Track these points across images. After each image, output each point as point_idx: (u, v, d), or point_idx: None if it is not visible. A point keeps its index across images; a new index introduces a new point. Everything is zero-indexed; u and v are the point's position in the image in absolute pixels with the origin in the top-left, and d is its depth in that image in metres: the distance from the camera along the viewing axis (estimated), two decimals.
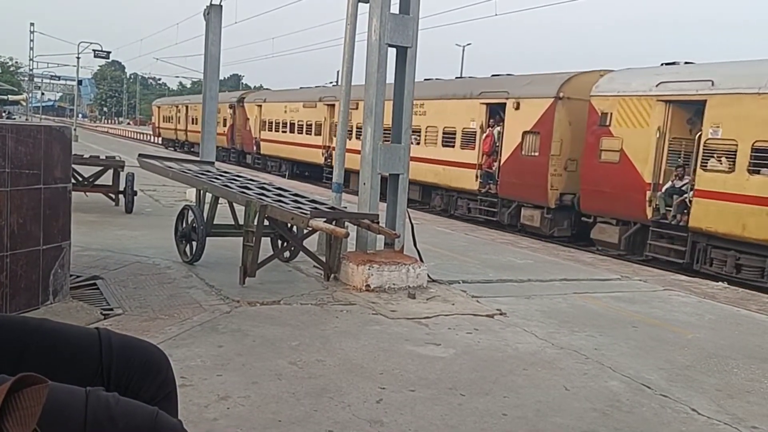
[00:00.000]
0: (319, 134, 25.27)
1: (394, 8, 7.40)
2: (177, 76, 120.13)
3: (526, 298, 7.14)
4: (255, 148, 31.37)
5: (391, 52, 7.53)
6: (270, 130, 30.07)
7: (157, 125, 49.43)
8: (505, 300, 6.90)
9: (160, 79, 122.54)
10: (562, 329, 5.95)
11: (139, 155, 9.22)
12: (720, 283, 9.66)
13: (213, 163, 10.51)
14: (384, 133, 7.56)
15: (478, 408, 4.02)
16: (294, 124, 27.55)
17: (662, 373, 4.92)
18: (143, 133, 59.97)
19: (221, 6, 12.87)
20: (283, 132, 28.68)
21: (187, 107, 40.57)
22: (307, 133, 26.45)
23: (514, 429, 3.78)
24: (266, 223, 6.84)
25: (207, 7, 12.87)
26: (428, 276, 7.34)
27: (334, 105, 22.80)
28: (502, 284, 7.81)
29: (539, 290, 7.60)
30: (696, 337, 6.08)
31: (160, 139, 50.33)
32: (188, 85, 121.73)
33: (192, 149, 37.40)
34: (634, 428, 3.91)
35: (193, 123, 38.47)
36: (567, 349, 5.34)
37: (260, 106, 31.16)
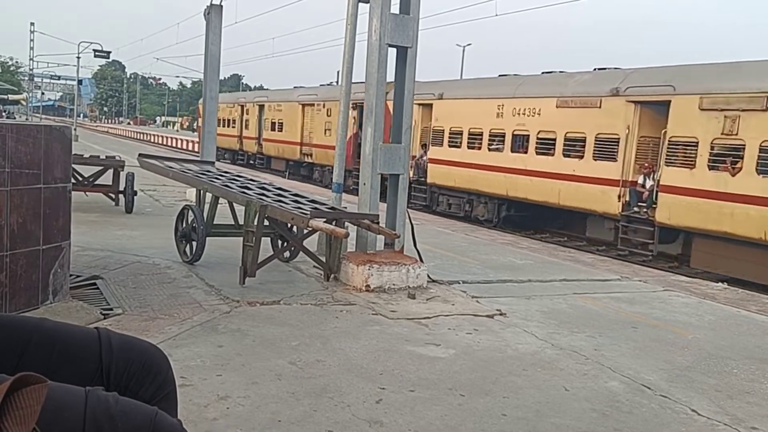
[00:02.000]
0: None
1: (395, 8, 7.41)
2: (177, 76, 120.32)
3: (526, 298, 7.14)
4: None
5: (392, 52, 7.53)
6: None
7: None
8: (505, 300, 6.90)
9: (160, 79, 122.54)
10: (562, 330, 5.95)
11: (140, 155, 9.22)
12: (720, 283, 9.65)
13: (213, 163, 10.51)
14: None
15: (477, 408, 4.02)
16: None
17: (662, 374, 4.92)
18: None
19: (221, 6, 12.89)
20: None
21: (261, 107, 31.35)
22: None
23: (513, 429, 3.78)
24: (266, 223, 6.84)
25: (207, 7, 12.87)
26: (428, 276, 7.33)
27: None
28: (502, 285, 7.81)
29: (539, 291, 7.60)
30: (696, 337, 6.07)
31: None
32: (188, 85, 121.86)
33: (277, 172, 29.25)
34: (633, 429, 3.91)
35: (273, 129, 29.86)
36: (567, 350, 5.34)
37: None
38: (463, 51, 53.33)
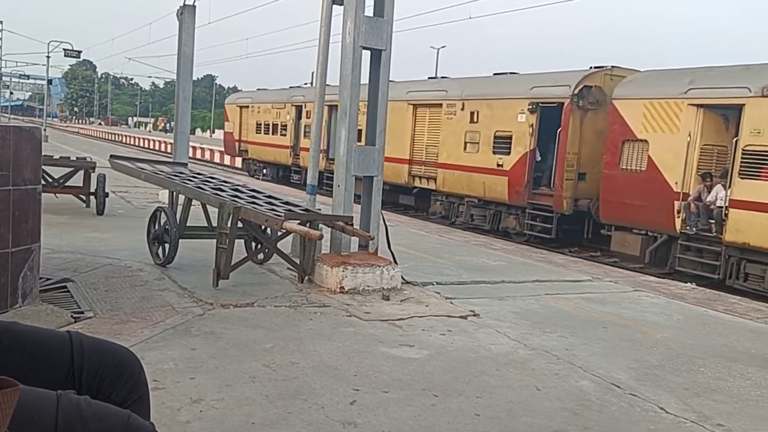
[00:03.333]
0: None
1: (369, 11, 7.43)
2: (150, 76, 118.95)
3: (499, 299, 7.21)
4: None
5: (366, 54, 7.55)
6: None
7: (238, 137, 29.63)
8: (479, 301, 6.96)
9: (132, 79, 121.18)
10: (534, 330, 6.02)
11: (111, 156, 9.12)
12: (689, 284, 9.83)
13: (186, 164, 10.43)
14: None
15: (451, 408, 4.05)
16: None
17: (631, 373, 5.00)
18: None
19: (195, 6, 12.80)
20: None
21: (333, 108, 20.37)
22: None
23: (486, 429, 3.82)
24: (240, 225, 6.82)
25: (180, 7, 12.78)
26: (402, 278, 7.37)
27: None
28: (475, 286, 7.87)
29: (512, 291, 7.67)
30: (664, 337, 6.19)
31: (240, 162, 32.36)
32: (161, 86, 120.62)
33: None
34: (603, 427, 3.97)
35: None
36: (539, 350, 5.40)
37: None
38: (438, 53, 53.56)
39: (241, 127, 29.39)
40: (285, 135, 25.44)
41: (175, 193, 7.82)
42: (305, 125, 22.98)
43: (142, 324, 5.24)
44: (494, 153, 15.83)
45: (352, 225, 7.11)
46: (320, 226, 7.00)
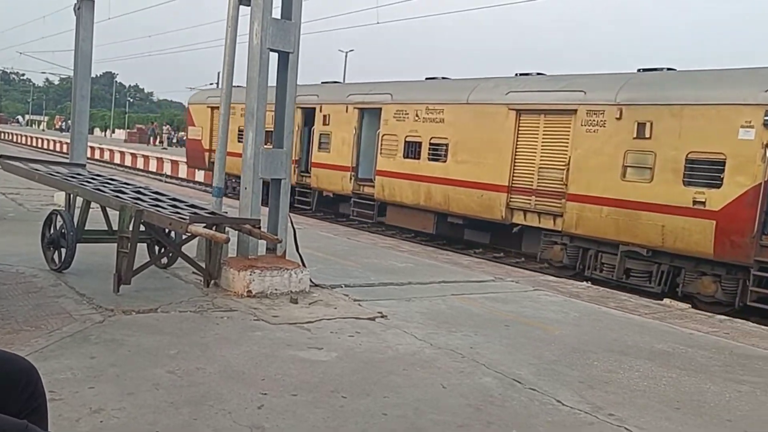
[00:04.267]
0: None
1: (276, 12, 7.39)
2: (43, 72, 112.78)
3: (407, 300, 7.34)
4: None
5: (274, 57, 7.50)
6: None
7: (208, 146, 22.86)
8: (386, 303, 7.06)
9: (23, 75, 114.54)
10: (440, 330, 6.17)
11: (0, 156, 8.62)
12: (584, 282, 10.35)
13: (84, 165, 10.00)
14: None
15: (359, 409, 4.10)
16: None
17: (531, 368, 5.23)
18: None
19: (93, 1, 12.27)
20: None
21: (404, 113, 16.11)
22: None
23: (394, 428, 3.89)
24: (142, 228, 6.61)
25: (78, 1, 12.22)
26: (311, 281, 7.37)
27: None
28: (383, 287, 7.97)
29: (419, 293, 7.83)
30: (562, 333, 6.50)
31: (203, 175, 26.56)
32: (56, 82, 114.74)
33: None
34: (505, 421, 4.14)
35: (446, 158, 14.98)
36: (444, 349, 5.55)
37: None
38: (346, 56, 53.72)
39: (212, 134, 22.26)
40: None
41: (72, 196, 7.49)
42: (321, 133, 18.59)
43: (36, 333, 4.99)
44: (687, 184, 10.78)
45: (259, 228, 7.04)
46: (227, 229, 6.90)
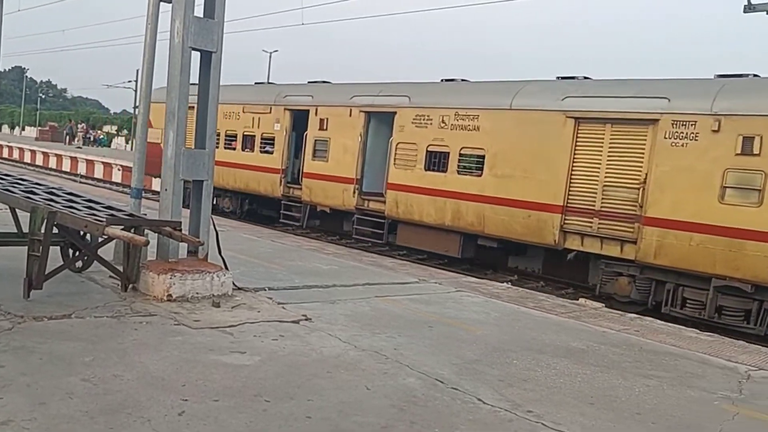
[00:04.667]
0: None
1: (198, 11, 7.24)
2: None
3: (331, 303, 7.34)
4: None
5: (196, 56, 7.35)
6: None
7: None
8: (311, 306, 7.03)
9: None
10: (364, 332, 6.20)
11: None
12: (504, 283, 10.62)
13: None
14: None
15: (282, 413, 4.08)
16: None
17: (453, 368, 5.33)
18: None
19: None
20: None
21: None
22: None
23: (317, 430, 3.89)
24: (55, 230, 6.34)
25: None
26: (233, 284, 7.25)
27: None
28: (307, 290, 7.94)
29: (343, 295, 7.84)
30: (483, 333, 6.66)
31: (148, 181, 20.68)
32: None
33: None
34: (428, 421, 4.21)
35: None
36: (368, 351, 5.58)
37: None
38: (270, 57, 53.16)
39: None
40: (272, 153, 17.42)
41: None
42: (316, 139, 16.29)
43: None
44: None
45: (180, 230, 6.88)
46: (146, 231, 6.70)
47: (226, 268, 7.29)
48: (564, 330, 7.19)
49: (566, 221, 11.71)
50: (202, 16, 7.29)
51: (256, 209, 19.08)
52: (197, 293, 6.77)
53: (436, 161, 13.69)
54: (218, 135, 13.92)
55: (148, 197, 17.29)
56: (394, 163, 14.39)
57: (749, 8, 13.50)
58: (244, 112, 17.99)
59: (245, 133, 18.10)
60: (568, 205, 11.70)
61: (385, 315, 7.01)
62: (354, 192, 15.26)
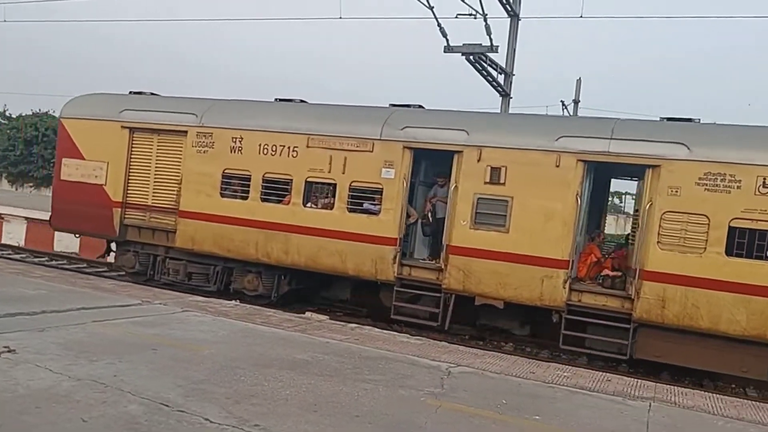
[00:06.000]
0: None
1: None
2: None
3: (40, 331, 6.68)
4: None
5: None
6: None
7: (120, 198, 13.22)
8: (15, 336, 6.33)
9: None
10: (80, 360, 5.77)
11: None
12: (232, 301, 10.62)
13: None
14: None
15: None
16: None
17: (179, 390, 5.22)
18: None
19: None
20: None
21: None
22: None
23: None
24: None
25: None
26: None
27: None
28: (11, 318, 7.12)
29: (55, 322, 7.18)
30: (211, 352, 6.60)
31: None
32: None
33: None
34: None
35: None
36: (85, 380, 5.21)
37: None
38: None
39: (130, 175, 13.32)
40: (376, 212, 11.26)
41: None
42: (478, 197, 10.68)
43: None
44: None
45: None
46: None
47: None
48: (290, 343, 7.43)
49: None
50: None
51: (301, 289, 12.89)
52: None
53: None
54: (243, 178, 12.25)
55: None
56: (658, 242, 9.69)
57: (448, 49, 15.85)
58: (309, 146, 11.83)
59: (311, 179, 11.82)
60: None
61: (104, 340, 6.58)
62: (565, 282, 10.15)
